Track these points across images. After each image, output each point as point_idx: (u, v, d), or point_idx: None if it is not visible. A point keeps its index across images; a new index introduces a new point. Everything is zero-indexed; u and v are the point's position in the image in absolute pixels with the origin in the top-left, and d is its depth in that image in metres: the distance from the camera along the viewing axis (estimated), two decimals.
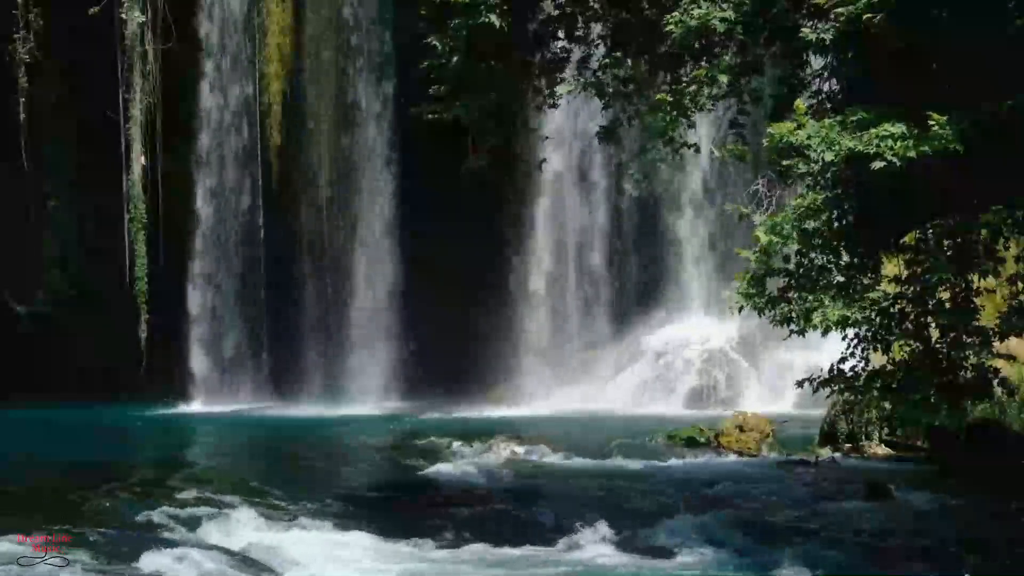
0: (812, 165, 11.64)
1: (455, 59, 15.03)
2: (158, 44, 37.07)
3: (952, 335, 12.27)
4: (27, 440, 27.89)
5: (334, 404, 34.24)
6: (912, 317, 12.30)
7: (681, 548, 14.33)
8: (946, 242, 12.10)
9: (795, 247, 12.02)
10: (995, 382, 12.55)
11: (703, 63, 13.81)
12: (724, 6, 12.76)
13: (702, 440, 23.34)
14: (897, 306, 12.24)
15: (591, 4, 15.61)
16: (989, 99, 11.05)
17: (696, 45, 13.48)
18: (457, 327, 35.10)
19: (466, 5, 14.63)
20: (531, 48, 15.85)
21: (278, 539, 14.78)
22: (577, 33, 15.84)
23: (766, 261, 12.07)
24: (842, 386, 12.98)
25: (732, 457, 22.04)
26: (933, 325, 12.33)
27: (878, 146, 11.08)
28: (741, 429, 23.07)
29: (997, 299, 12.68)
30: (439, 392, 33.44)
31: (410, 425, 28.16)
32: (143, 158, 37.22)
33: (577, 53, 16.01)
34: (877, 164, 11.07)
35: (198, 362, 37.72)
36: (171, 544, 14.08)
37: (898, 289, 12.33)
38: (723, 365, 32.57)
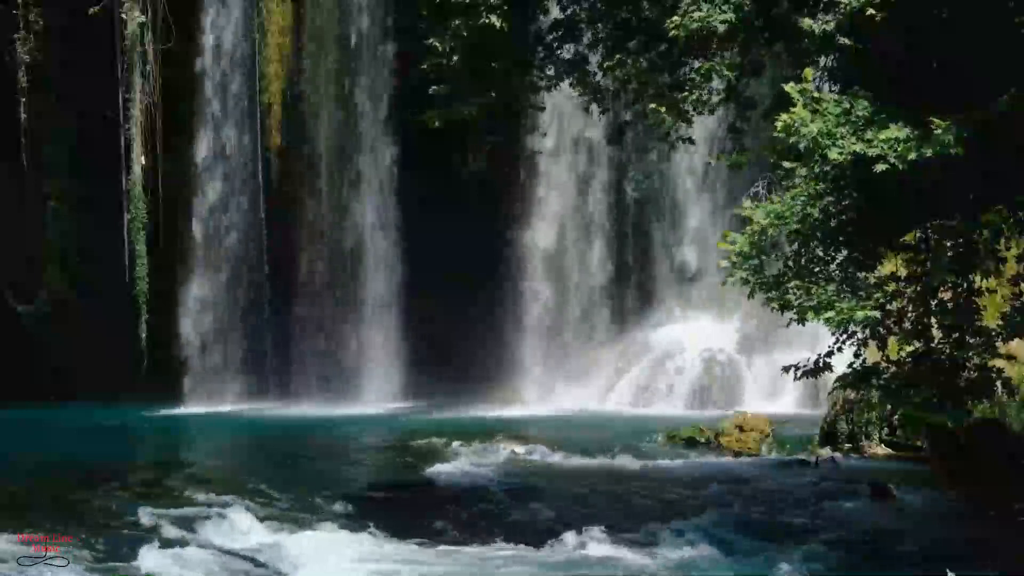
0: (813, 167, 11.60)
1: (455, 59, 15.04)
2: (158, 44, 37.10)
3: (955, 336, 12.26)
4: (27, 440, 27.90)
5: (334, 404, 34.21)
6: (914, 317, 12.28)
7: (681, 548, 14.35)
8: (948, 242, 12.08)
9: (794, 226, 11.85)
10: (998, 383, 12.53)
11: (704, 60, 13.78)
12: (725, 8, 12.74)
13: (702, 440, 23.38)
14: (896, 303, 12.21)
15: (591, 4, 15.59)
16: (989, 99, 11.05)
17: (697, 47, 13.46)
18: (457, 327, 35.10)
19: (466, 5, 14.65)
20: (531, 48, 15.85)
21: (278, 539, 14.82)
22: (577, 33, 15.83)
23: (758, 242, 11.98)
24: (843, 384, 12.95)
25: (732, 457, 22.06)
26: (935, 326, 12.31)
27: (883, 149, 11.07)
28: (741, 429, 23.11)
29: (998, 299, 12.68)
30: (439, 392, 33.40)
31: (410, 425, 28.14)
32: (143, 158, 37.23)
33: (577, 54, 16.00)
34: (880, 167, 11.07)
35: (198, 362, 37.72)
36: (171, 544, 14.11)
37: (895, 287, 12.31)
38: (723, 365, 32.54)
